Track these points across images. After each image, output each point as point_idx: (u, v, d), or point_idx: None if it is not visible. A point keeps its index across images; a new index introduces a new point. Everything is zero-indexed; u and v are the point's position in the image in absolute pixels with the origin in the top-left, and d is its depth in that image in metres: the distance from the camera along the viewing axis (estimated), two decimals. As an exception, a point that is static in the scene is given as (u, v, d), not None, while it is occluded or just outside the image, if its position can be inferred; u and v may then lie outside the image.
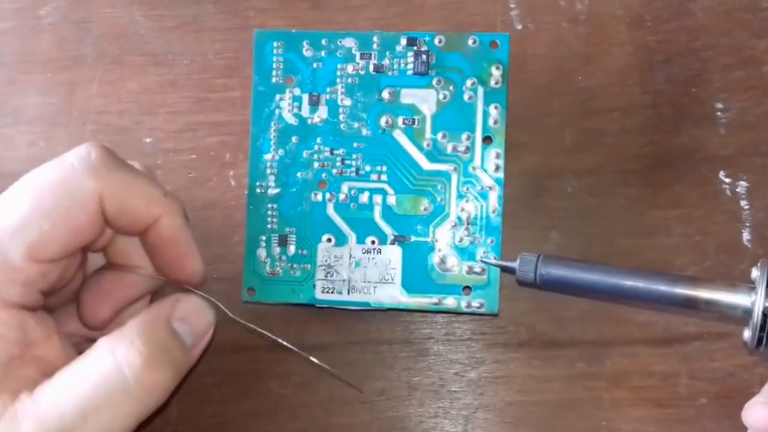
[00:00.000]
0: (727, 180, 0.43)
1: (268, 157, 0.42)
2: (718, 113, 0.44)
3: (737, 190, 0.43)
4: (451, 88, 0.42)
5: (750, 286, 0.37)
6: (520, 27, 0.45)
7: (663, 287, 0.37)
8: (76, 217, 0.33)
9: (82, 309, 0.38)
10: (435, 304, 0.41)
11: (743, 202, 0.43)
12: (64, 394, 0.32)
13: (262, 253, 0.42)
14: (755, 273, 0.37)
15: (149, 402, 0.33)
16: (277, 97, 0.43)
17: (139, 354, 0.33)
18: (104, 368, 0.33)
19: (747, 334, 0.37)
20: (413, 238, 0.42)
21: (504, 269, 0.41)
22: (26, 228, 0.33)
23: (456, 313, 0.42)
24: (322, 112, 0.42)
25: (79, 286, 0.38)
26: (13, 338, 0.33)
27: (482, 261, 0.41)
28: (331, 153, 0.42)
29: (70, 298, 0.39)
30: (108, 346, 0.33)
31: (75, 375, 0.33)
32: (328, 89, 0.42)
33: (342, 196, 0.42)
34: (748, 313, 0.36)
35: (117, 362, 0.33)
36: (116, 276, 0.38)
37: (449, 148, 0.42)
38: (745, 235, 0.43)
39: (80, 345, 0.37)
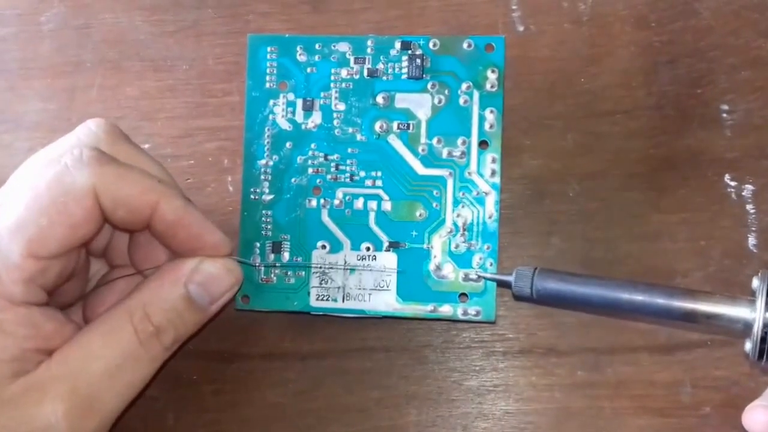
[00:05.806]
0: (733, 183, 0.42)
1: (261, 162, 0.42)
2: (724, 115, 0.43)
3: (743, 193, 0.42)
4: (446, 92, 0.41)
5: (750, 298, 0.36)
6: (521, 29, 0.44)
7: (661, 301, 0.36)
8: (72, 213, 0.34)
9: (88, 313, 0.39)
10: (431, 311, 0.41)
11: (749, 206, 0.42)
12: (90, 357, 0.35)
13: (255, 260, 0.42)
14: (756, 283, 0.36)
15: (164, 357, 0.37)
16: (271, 102, 0.42)
17: (153, 322, 0.36)
18: (124, 334, 0.36)
19: (748, 345, 0.36)
20: (408, 245, 0.41)
21: (500, 284, 0.40)
22: (25, 225, 0.34)
23: (453, 320, 0.41)
24: (316, 118, 0.42)
25: (84, 287, 0.40)
26: (23, 334, 0.34)
27: (478, 275, 0.40)
28: (326, 159, 0.42)
29: (76, 297, 0.40)
30: (126, 311, 0.36)
31: (98, 339, 0.36)
32: (322, 94, 0.42)
33: (336, 202, 0.41)
34: (749, 326, 0.35)
35: (135, 328, 0.36)
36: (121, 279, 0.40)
37: (445, 153, 0.41)
38: (751, 240, 0.42)
39: None
